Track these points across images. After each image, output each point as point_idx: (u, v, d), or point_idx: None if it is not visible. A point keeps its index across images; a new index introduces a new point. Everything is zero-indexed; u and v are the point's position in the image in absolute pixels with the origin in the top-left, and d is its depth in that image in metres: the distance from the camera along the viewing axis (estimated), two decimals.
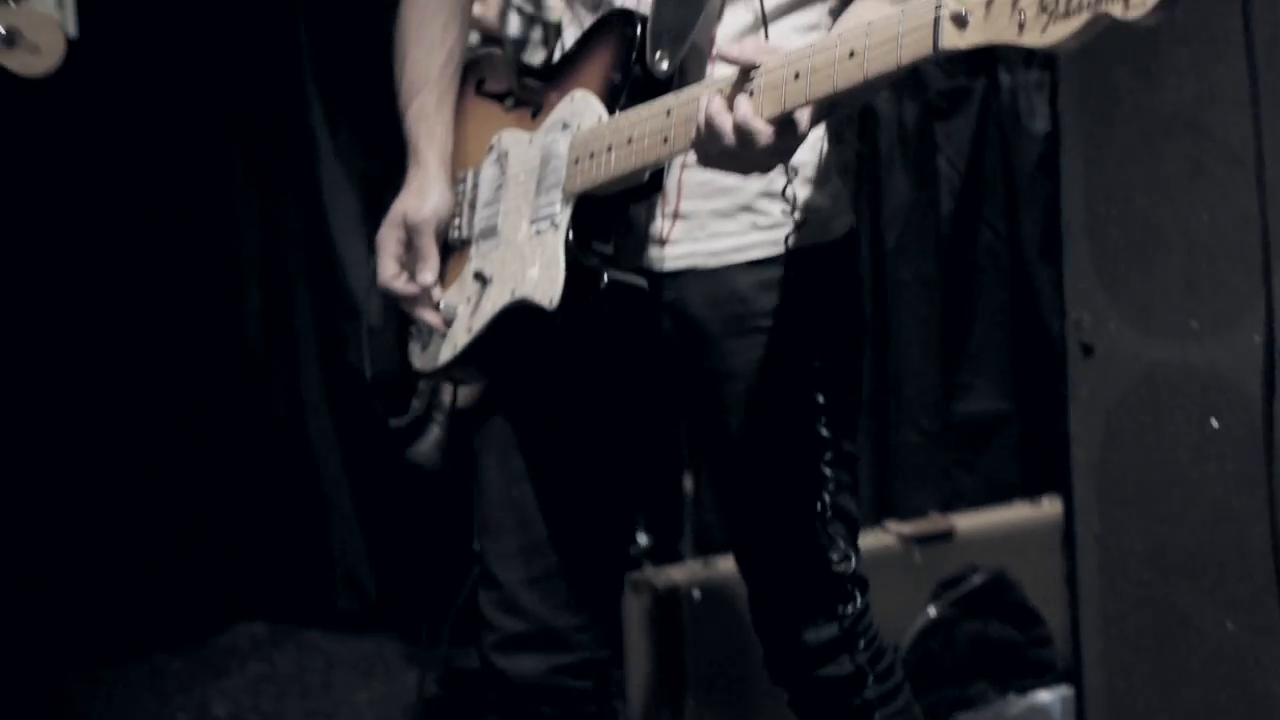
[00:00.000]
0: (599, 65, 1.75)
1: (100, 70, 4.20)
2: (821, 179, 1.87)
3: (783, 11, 1.79)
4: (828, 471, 1.82)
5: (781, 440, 1.86)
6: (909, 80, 3.87)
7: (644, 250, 1.82)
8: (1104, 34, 2.45)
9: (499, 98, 1.94)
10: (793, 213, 1.75)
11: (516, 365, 1.91)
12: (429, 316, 1.89)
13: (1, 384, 3.87)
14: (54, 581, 3.92)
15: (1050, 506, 3.34)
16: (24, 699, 3.74)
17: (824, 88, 1.45)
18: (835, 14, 1.82)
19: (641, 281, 1.79)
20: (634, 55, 1.70)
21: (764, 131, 1.49)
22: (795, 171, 1.76)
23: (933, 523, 3.42)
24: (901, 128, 3.94)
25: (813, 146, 1.85)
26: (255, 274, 4.60)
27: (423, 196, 1.90)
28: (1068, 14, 1.27)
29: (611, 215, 1.75)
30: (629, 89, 1.70)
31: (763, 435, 1.86)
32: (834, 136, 1.92)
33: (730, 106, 1.51)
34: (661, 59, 1.69)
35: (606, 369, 1.90)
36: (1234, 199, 2.26)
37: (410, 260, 1.91)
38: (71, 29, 4.26)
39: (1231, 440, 2.30)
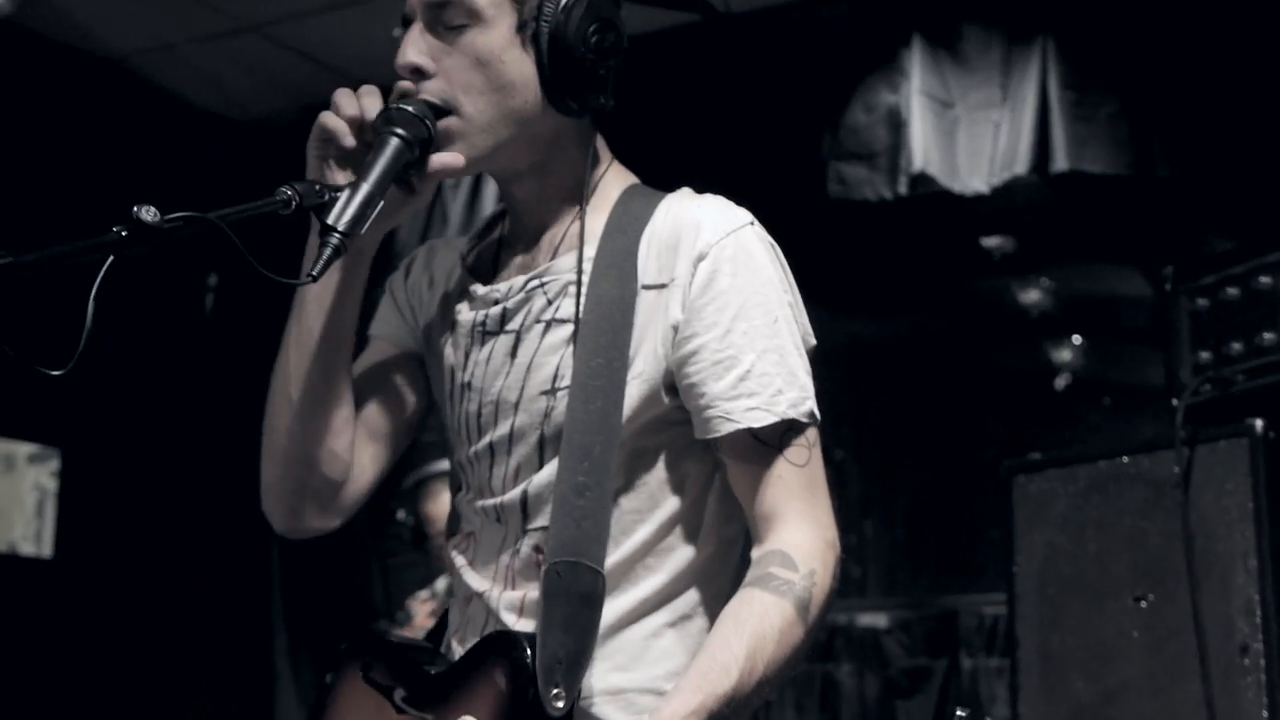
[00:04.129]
0: (487, 695, 1.58)
1: (71, 587, 4.25)
2: None
3: (652, 608, 1.62)
4: None
5: None
6: (871, 655, 3.92)
7: None
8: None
9: (387, 691, 1.73)
10: None
11: None
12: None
13: None
14: None
15: None
16: None
17: None
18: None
19: None
20: (527, 693, 1.52)
21: None
22: None
23: None
24: (863, 702, 3.95)
25: None
26: None
27: None
28: None
29: None
30: None
31: None
32: None
33: None
34: (557, 698, 1.51)
35: None
36: None
37: None
38: (48, 550, 4.33)
39: None
